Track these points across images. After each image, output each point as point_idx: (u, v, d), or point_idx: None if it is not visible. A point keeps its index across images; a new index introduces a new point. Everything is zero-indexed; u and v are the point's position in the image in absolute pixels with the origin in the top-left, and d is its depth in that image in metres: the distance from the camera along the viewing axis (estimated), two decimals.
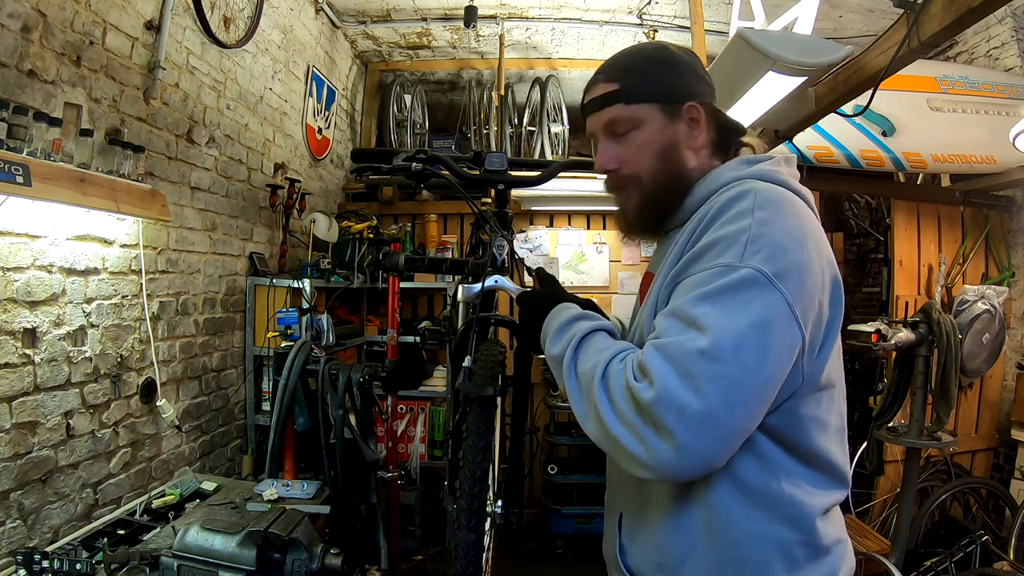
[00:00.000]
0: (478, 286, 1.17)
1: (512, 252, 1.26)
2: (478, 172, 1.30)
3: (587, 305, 1.06)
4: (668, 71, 0.90)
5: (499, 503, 1.13)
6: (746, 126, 0.99)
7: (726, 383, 0.65)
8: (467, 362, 1.02)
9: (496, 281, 1.18)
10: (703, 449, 0.65)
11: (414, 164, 1.22)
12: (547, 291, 1.02)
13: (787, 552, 0.78)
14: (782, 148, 2.60)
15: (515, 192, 3.19)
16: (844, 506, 0.94)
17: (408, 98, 4.17)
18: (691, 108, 0.89)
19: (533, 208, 3.78)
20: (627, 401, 0.69)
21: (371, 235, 3.24)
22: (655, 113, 0.89)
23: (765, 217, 0.73)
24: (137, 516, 1.71)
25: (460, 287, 1.28)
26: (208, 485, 1.87)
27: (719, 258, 0.72)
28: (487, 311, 1.26)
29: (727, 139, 0.94)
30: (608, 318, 1.13)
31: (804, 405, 0.78)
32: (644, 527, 0.88)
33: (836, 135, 2.84)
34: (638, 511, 0.89)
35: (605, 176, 0.97)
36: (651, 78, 0.90)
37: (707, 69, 0.96)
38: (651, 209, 0.93)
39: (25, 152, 1.40)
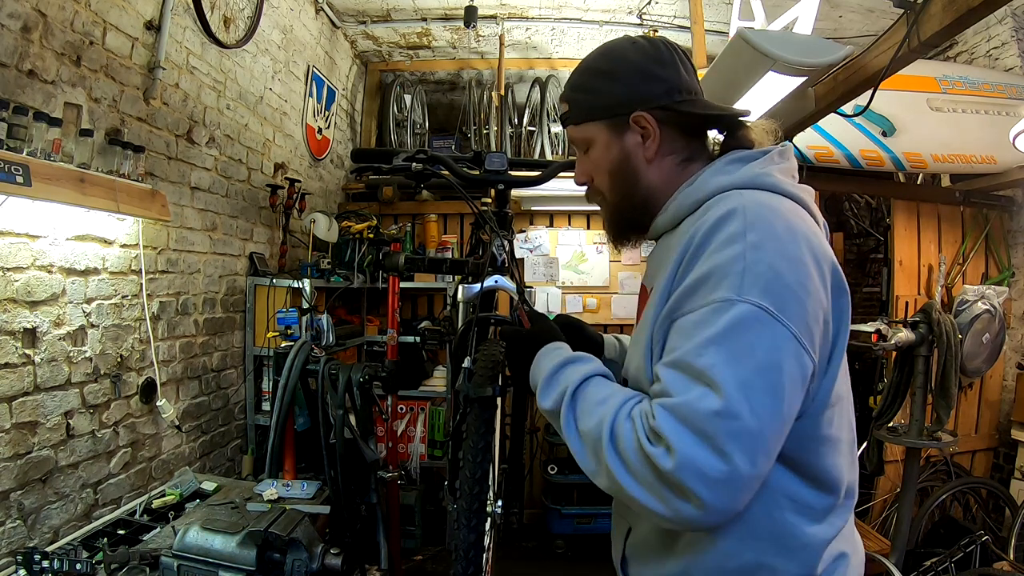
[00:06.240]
0: (478, 286, 1.17)
1: (512, 252, 1.26)
2: (478, 172, 1.30)
3: (575, 329, 1.04)
4: (608, 83, 0.85)
5: (499, 503, 1.13)
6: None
7: (746, 438, 0.63)
8: (467, 363, 1.02)
9: (496, 281, 1.18)
10: (729, 503, 0.64)
11: (414, 164, 1.23)
12: (534, 329, 0.95)
13: None
14: None
15: (515, 192, 3.19)
16: None
17: (408, 98, 4.17)
18: (637, 119, 0.84)
19: (533, 208, 3.77)
20: (644, 465, 0.67)
21: (371, 235, 3.24)
22: (600, 131, 0.87)
23: (757, 240, 0.69)
24: (137, 516, 1.71)
25: (460, 287, 1.28)
26: (208, 485, 1.87)
27: (715, 292, 0.68)
28: (487, 311, 1.26)
29: (702, 132, 0.89)
30: (601, 336, 1.10)
31: (814, 426, 0.75)
32: (647, 545, 0.87)
33: (836, 135, 2.84)
34: (645, 529, 0.88)
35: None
36: (592, 94, 0.87)
37: (687, 61, 0.87)
38: (620, 222, 0.93)
39: (25, 152, 1.40)
